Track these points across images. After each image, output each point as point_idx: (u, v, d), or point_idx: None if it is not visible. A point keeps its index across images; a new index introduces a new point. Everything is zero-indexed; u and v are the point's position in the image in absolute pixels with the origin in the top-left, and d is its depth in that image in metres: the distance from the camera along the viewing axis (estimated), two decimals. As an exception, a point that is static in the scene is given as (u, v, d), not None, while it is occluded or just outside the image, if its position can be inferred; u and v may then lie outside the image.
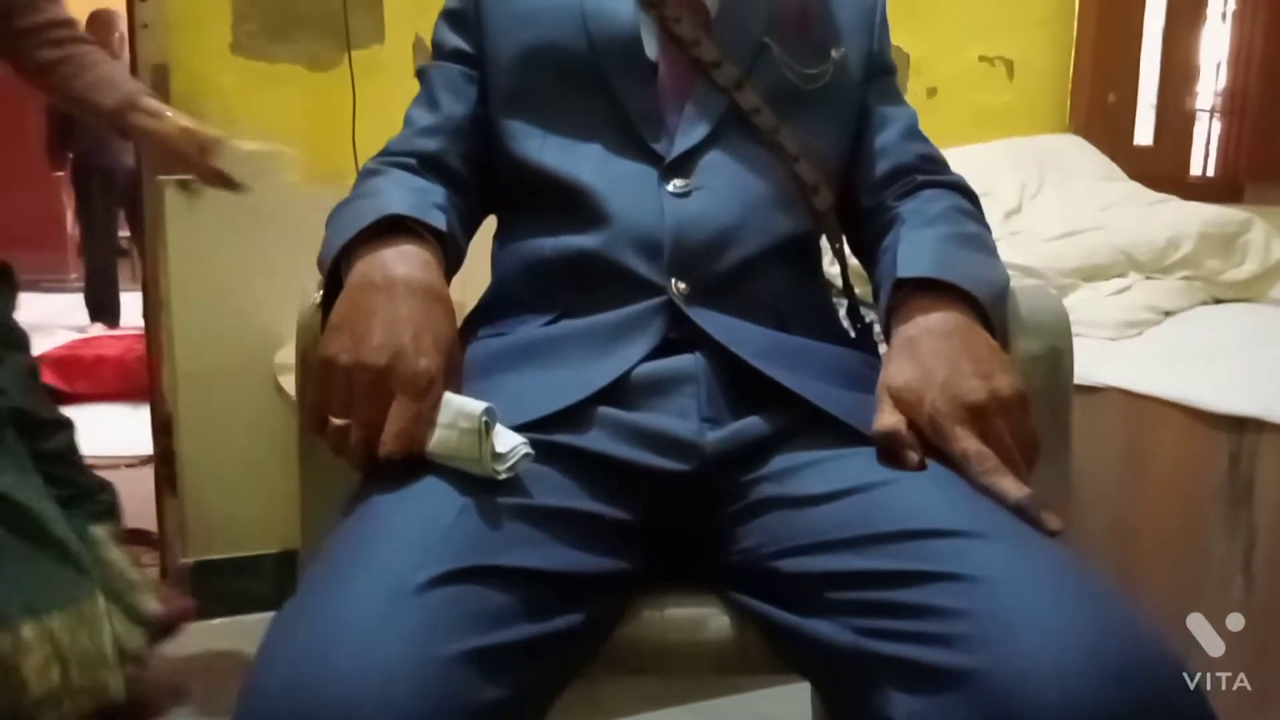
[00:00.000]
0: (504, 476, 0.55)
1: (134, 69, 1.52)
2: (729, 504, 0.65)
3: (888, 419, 0.61)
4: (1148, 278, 1.58)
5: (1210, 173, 2.49)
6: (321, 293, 0.70)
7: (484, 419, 0.55)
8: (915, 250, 0.71)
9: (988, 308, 0.67)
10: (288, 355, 1.49)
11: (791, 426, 0.66)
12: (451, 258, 0.75)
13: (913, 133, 0.92)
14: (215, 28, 1.49)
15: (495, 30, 0.88)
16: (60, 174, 4.34)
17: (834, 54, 0.89)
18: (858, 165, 0.91)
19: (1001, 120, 2.01)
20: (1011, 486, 0.55)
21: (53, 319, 4.80)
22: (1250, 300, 1.62)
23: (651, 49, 0.85)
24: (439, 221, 0.70)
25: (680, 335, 0.72)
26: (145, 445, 2.01)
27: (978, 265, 0.72)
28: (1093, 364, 1.29)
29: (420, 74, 0.92)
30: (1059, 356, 0.73)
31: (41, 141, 4.55)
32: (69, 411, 2.92)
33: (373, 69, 1.56)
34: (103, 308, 4.50)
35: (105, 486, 1.38)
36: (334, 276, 0.70)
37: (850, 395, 0.67)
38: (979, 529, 0.51)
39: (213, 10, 1.48)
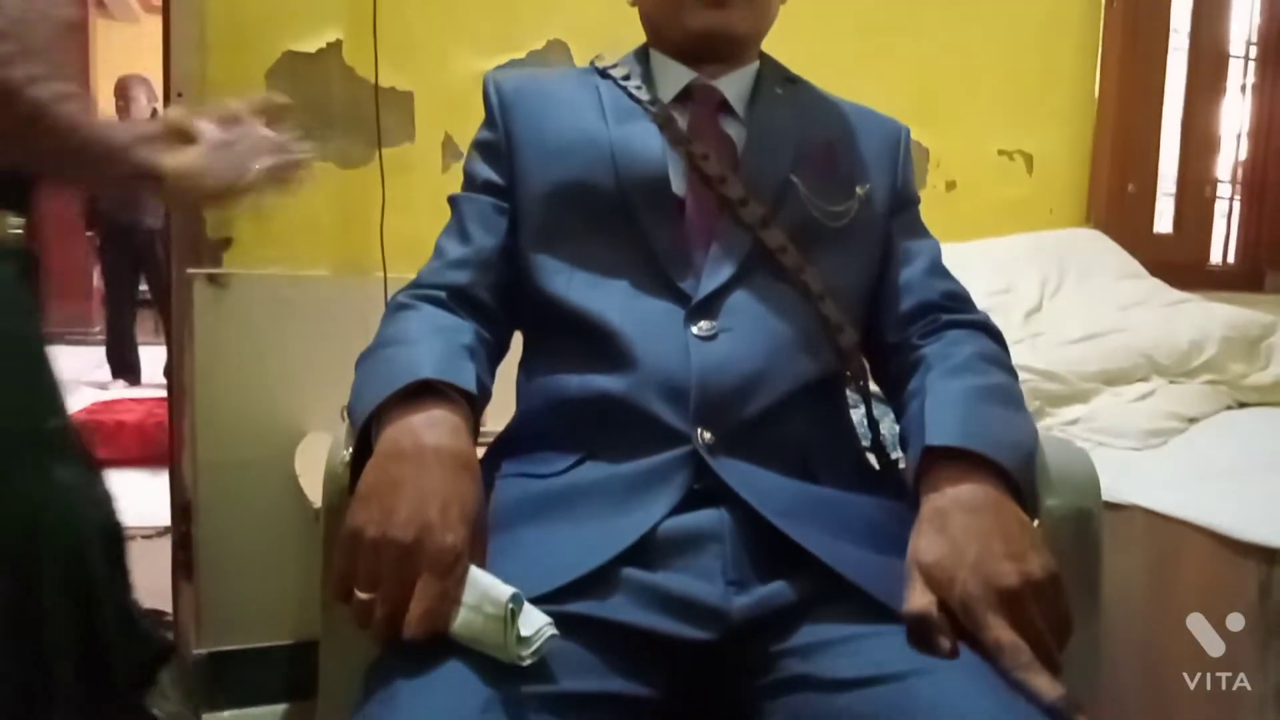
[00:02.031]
0: (528, 662, 0.55)
1: (169, 162, 1.56)
2: (755, 677, 0.64)
3: (919, 600, 0.60)
4: (1171, 381, 1.57)
5: (1231, 259, 2.49)
6: (351, 450, 0.70)
7: (510, 606, 0.54)
8: (943, 412, 0.71)
9: (1017, 477, 0.67)
10: (307, 449, 1.49)
11: (819, 592, 0.66)
12: (480, 404, 0.76)
13: (937, 268, 0.92)
14: (249, 126, 1.52)
15: (526, 164, 0.89)
16: (90, 233, 4.42)
17: (859, 190, 0.90)
18: (882, 300, 0.91)
19: (1021, 213, 2.02)
20: (1046, 686, 0.55)
21: (76, 375, 4.86)
22: (1275, 404, 1.61)
23: (679, 185, 0.86)
24: (468, 379, 0.71)
25: (705, 487, 0.72)
26: (162, 514, 2.01)
27: (1005, 426, 0.71)
28: (1117, 479, 1.27)
29: (452, 203, 0.94)
30: (1088, 518, 0.72)
31: (72, 194, 4.67)
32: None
33: (402, 165, 1.59)
34: (124, 365, 4.56)
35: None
36: (363, 429, 0.70)
37: (878, 560, 0.67)
38: (1013, 739, 0.51)
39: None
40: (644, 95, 0.92)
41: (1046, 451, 0.76)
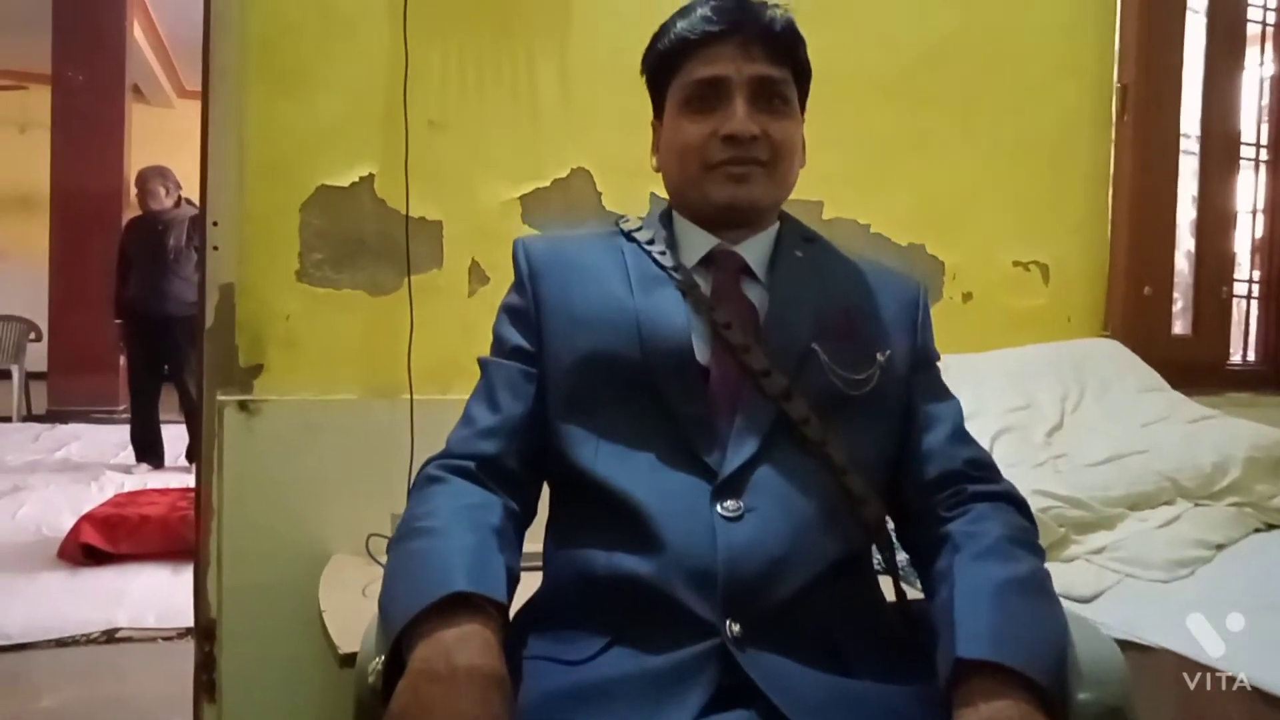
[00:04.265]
0: None
1: (202, 286, 1.61)
2: None
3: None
4: (1196, 504, 1.56)
5: (1251, 359, 2.49)
6: (384, 658, 0.71)
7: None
8: (974, 615, 0.72)
9: (1049, 689, 0.67)
10: (332, 574, 1.50)
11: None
12: (510, 595, 0.77)
13: (959, 434, 0.93)
14: (283, 256, 1.57)
15: (554, 333, 0.92)
16: (118, 321, 4.51)
17: (879, 356, 0.92)
18: (905, 466, 0.92)
19: (1038, 322, 2.04)
20: None
21: (99, 457, 4.91)
22: (1303, 525, 1.59)
23: (703, 354, 0.88)
24: (498, 586, 0.72)
25: (733, 682, 0.72)
26: (184, 613, 2.01)
27: (1037, 628, 0.72)
28: (1145, 618, 1.27)
29: (482, 366, 0.96)
30: (1118, 716, 0.72)
31: (104, 274, 4.80)
32: (112, 572, 2.97)
33: (430, 291, 1.63)
34: (148, 450, 4.60)
35: None
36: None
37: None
38: None
39: (282, 241, 1.57)
40: (668, 261, 0.95)
41: (1077, 643, 0.75)
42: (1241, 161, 2.43)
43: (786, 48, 0.94)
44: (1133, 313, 2.17)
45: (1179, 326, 2.36)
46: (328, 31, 1.57)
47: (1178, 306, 2.37)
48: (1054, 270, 2.07)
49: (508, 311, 0.97)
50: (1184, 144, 2.34)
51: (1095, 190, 2.12)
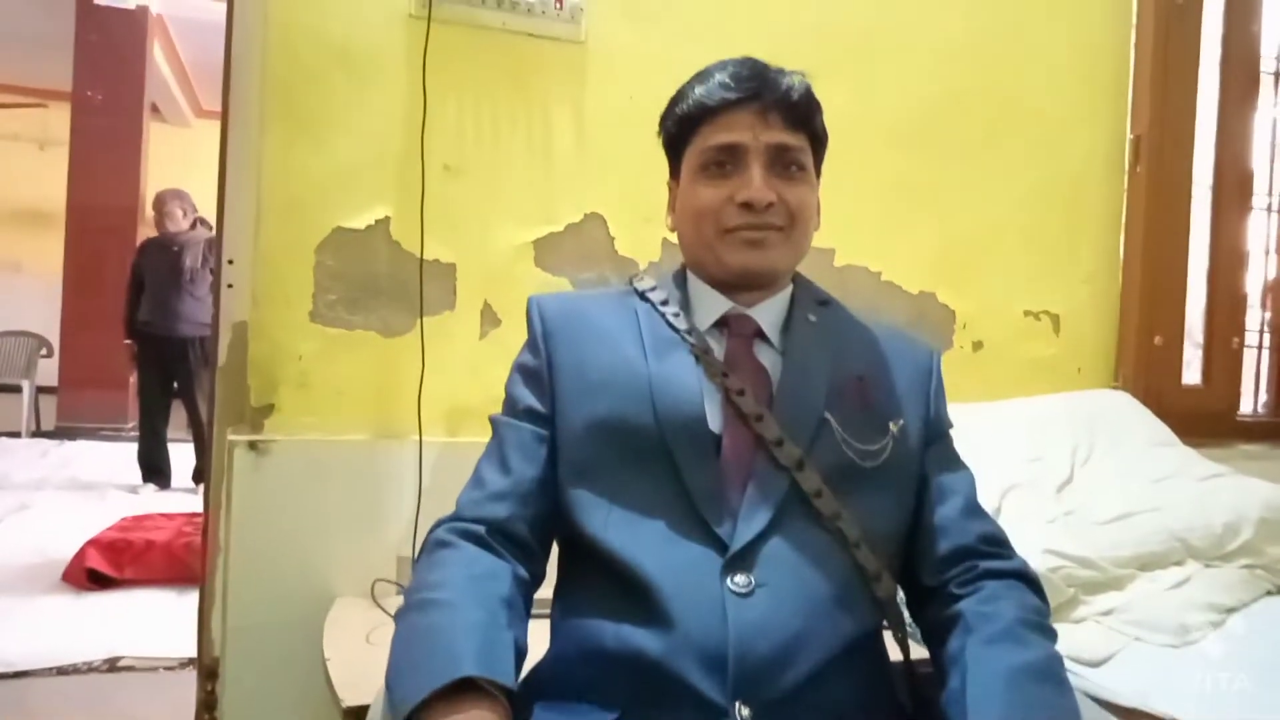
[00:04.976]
0: None
1: (215, 324, 1.61)
2: None
3: None
4: (1207, 565, 1.55)
5: (1261, 410, 2.48)
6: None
7: None
8: (987, 708, 0.71)
9: None
10: (337, 618, 1.50)
11: None
12: (518, 673, 0.76)
13: (972, 508, 0.93)
14: (297, 296, 1.58)
15: (567, 396, 0.92)
16: (128, 341, 4.52)
17: (892, 427, 0.92)
18: (918, 539, 0.92)
19: (1048, 372, 2.03)
20: None
21: (106, 477, 4.91)
22: (1316, 589, 1.57)
23: (715, 421, 0.88)
24: (506, 670, 0.72)
25: (742, 765, 0.72)
26: (188, 641, 2.00)
27: (1049, 718, 0.71)
28: (1155, 685, 1.25)
29: (494, 425, 0.96)
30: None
31: (117, 290, 4.81)
32: (115, 598, 2.96)
33: (442, 332, 1.64)
34: (154, 470, 4.60)
35: None
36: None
37: None
38: None
39: (297, 281, 1.58)
40: (681, 324, 0.95)
41: (1086, 730, 0.75)
42: (1254, 210, 2.42)
43: (804, 115, 0.94)
44: (1143, 363, 2.16)
45: (1190, 376, 2.35)
46: (346, 76, 1.59)
47: (1188, 356, 2.36)
48: (1065, 320, 2.07)
49: (520, 371, 0.97)
50: (1198, 193, 2.34)
51: (1107, 240, 2.13)
